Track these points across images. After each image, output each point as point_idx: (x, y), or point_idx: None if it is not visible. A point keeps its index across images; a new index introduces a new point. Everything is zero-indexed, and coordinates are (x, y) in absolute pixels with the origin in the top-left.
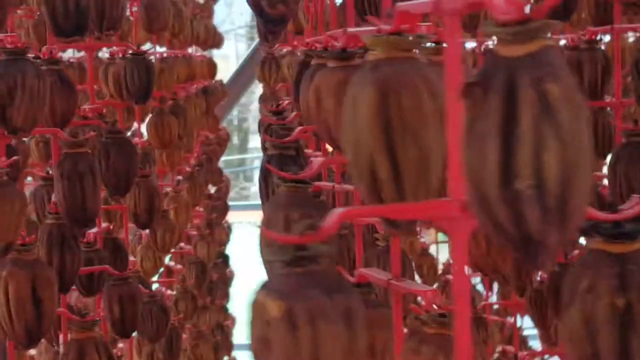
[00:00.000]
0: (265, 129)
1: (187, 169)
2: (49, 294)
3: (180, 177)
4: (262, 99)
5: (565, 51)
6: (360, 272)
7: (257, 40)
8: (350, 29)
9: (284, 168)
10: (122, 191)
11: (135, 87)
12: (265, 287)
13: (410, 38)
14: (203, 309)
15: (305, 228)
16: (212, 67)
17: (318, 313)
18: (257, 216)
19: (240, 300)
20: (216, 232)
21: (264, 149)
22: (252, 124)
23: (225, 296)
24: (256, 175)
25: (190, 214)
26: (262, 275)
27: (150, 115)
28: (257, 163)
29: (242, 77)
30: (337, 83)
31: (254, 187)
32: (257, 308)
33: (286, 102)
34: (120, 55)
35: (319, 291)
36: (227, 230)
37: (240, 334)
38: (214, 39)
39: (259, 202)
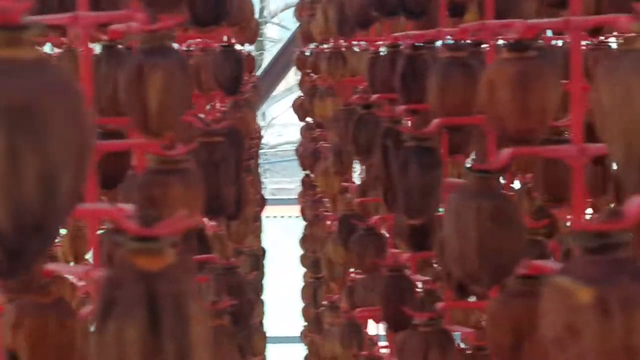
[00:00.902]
0: (385, 130)
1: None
2: None
3: None
4: (315, 93)
5: None
6: None
7: (292, 29)
8: (531, 20)
9: (422, 160)
10: None
11: (224, 79)
12: (567, 272)
13: None
14: None
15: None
16: (251, 61)
17: (631, 301)
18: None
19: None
20: (256, 225)
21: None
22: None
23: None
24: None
25: None
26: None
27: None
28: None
29: (276, 68)
30: (514, 74)
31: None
32: (560, 294)
33: (375, 96)
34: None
35: (629, 278)
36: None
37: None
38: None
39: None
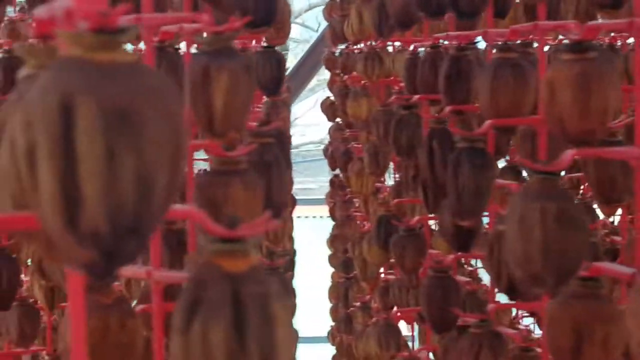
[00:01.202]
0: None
1: None
2: None
3: None
4: (347, 94)
5: None
6: None
7: (316, 30)
8: (592, 22)
9: (474, 161)
10: None
11: (266, 79)
12: None
13: None
14: None
15: None
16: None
17: None
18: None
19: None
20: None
21: None
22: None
23: None
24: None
25: None
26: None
27: None
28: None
29: (304, 68)
30: (575, 76)
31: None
32: None
33: (416, 97)
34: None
35: None
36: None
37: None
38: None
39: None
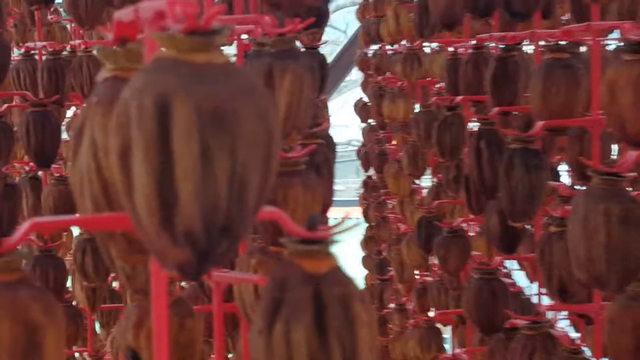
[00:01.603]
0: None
1: None
2: None
3: None
4: (382, 95)
5: None
6: None
7: (350, 29)
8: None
9: (528, 162)
10: None
11: None
12: None
13: None
14: None
15: None
16: None
17: None
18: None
19: None
20: None
21: None
22: None
23: None
24: None
25: None
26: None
27: None
28: None
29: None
30: (637, 77)
31: None
32: None
33: (459, 98)
34: None
35: None
36: None
37: None
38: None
39: None
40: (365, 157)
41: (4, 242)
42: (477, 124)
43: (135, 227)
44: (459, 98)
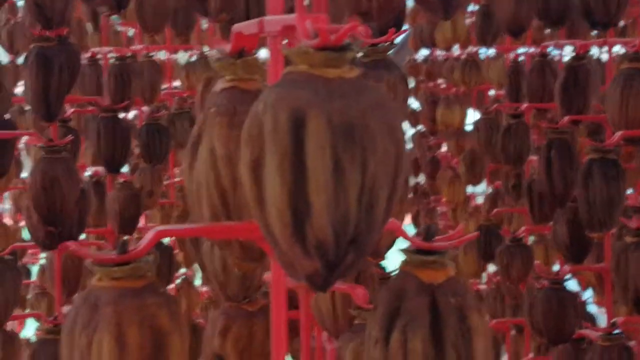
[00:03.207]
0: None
1: None
2: None
3: None
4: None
5: None
6: None
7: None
8: None
9: (607, 172)
10: None
11: None
12: None
13: None
14: None
15: None
16: None
17: None
18: None
19: None
20: None
21: None
22: None
23: None
24: None
25: None
26: None
27: None
28: None
29: None
30: None
31: None
32: None
33: (524, 105)
34: None
35: None
36: None
37: None
38: None
39: None
40: (416, 163)
41: (131, 250)
42: (547, 132)
43: (265, 238)
44: (523, 106)
